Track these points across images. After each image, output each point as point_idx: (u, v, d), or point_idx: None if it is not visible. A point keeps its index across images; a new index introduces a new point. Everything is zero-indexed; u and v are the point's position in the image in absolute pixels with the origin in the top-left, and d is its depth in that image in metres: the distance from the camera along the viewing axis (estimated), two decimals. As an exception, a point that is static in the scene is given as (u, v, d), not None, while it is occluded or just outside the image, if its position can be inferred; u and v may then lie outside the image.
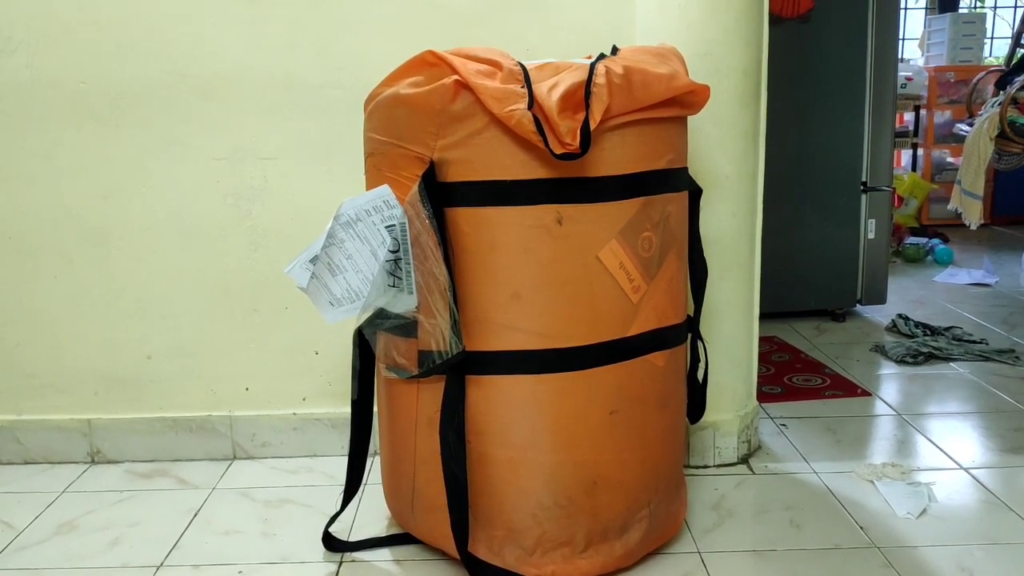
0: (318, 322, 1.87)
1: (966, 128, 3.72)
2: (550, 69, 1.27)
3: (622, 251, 1.32)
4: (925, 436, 1.98)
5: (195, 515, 1.68)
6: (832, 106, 2.82)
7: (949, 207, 3.57)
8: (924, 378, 2.38)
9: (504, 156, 1.25)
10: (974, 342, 2.61)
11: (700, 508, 1.66)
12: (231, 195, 1.83)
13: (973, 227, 3.43)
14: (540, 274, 1.29)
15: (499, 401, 1.33)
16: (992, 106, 3.50)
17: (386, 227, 1.35)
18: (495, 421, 1.33)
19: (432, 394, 1.35)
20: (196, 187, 1.83)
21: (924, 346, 2.55)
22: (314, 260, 1.36)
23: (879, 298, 2.94)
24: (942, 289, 3.42)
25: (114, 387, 1.91)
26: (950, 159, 4.78)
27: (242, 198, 1.83)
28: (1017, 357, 2.48)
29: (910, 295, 3.30)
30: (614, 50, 1.44)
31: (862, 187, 2.87)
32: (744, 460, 1.86)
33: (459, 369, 1.30)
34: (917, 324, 2.77)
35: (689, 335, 1.54)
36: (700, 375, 1.66)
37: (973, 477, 1.77)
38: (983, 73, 3.97)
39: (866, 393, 2.26)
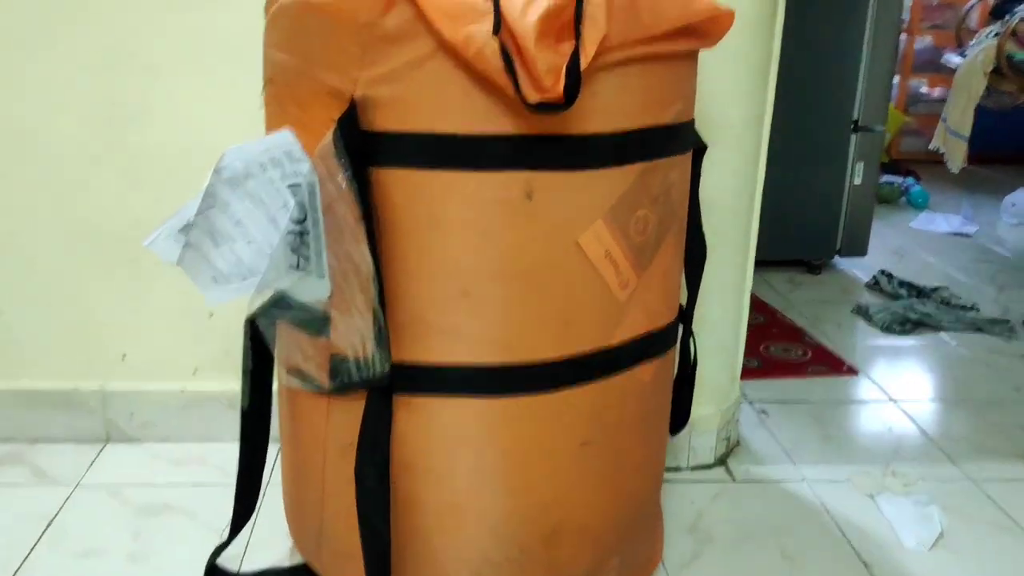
0: (213, 279, 1.49)
1: (957, 59, 3.42)
2: (526, -20, 0.90)
3: (609, 235, 0.97)
4: (924, 432, 1.72)
5: (49, 524, 1.33)
6: (828, 31, 2.46)
7: (931, 146, 3.29)
8: (914, 352, 2.13)
9: (456, 98, 0.89)
10: (965, 308, 2.36)
11: (674, 530, 1.38)
12: (100, 116, 1.42)
13: (954, 170, 3.16)
14: (499, 264, 0.94)
15: (437, 429, 0.99)
16: (988, 36, 3.19)
17: (288, 186, 0.98)
18: (431, 455, 1.00)
19: (348, 415, 1.01)
20: (54, 102, 1.41)
21: (912, 311, 2.29)
22: (187, 229, 0.98)
23: (860, 250, 2.67)
24: (920, 237, 3.17)
25: (-48, 349, 1.52)
26: (925, 89, 4.50)
27: (115, 120, 1.42)
28: (1012, 329, 2.24)
29: (887, 243, 3.03)
30: None
31: (852, 126, 2.56)
32: (722, 460, 1.58)
33: (385, 387, 0.96)
34: (901, 283, 2.50)
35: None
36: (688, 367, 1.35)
37: (984, 492, 1.52)
38: (976, 0, 3.65)
39: (852, 371, 1.99)
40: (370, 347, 0.94)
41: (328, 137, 0.92)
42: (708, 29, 1.01)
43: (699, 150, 1.18)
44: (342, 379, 0.98)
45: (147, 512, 1.37)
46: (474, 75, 0.87)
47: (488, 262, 0.94)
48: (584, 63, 0.85)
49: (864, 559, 1.32)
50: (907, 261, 2.86)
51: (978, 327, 2.25)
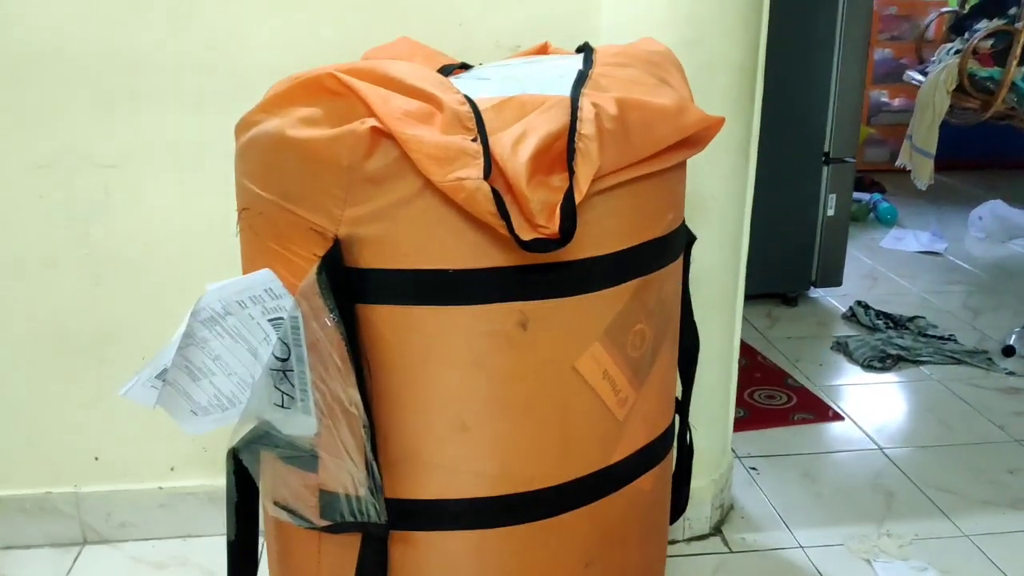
0: (188, 373, 1.44)
1: (919, 77, 3.44)
2: (513, 107, 0.86)
3: (607, 355, 0.94)
4: (914, 483, 1.72)
5: (26, 650, 1.28)
6: (797, 67, 2.46)
7: (898, 163, 3.29)
8: (896, 391, 2.13)
9: (445, 235, 0.85)
10: (942, 338, 2.37)
11: (676, 615, 1.36)
12: (60, 213, 1.36)
13: (922, 187, 3.17)
14: (494, 396, 0.91)
15: (436, 564, 0.96)
16: (948, 53, 3.22)
17: (269, 320, 0.94)
18: (431, 591, 0.97)
19: (341, 547, 0.97)
20: (11, 203, 1.35)
21: (891, 346, 2.29)
22: (163, 376, 0.94)
23: (835, 280, 2.67)
24: (891, 258, 3.18)
25: (-86, 460, 1.46)
26: (885, 99, 4.53)
27: (75, 218, 1.37)
28: (990, 359, 2.25)
29: (860, 268, 3.04)
30: (587, 54, 1.03)
31: (824, 158, 2.55)
32: (717, 529, 1.56)
33: (381, 534, 0.92)
34: (878, 314, 2.51)
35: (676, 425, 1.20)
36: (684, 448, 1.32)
37: (978, 548, 1.52)
38: (935, 14, 3.68)
39: (838, 416, 1.99)
40: (363, 492, 0.90)
41: (311, 275, 0.87)
42: (698, 138, 0.98)
43: (689, 242, 1.15)
44: (334, 518, 0.94)
45: (131, 629, 1.32)
46: (463, 211, 0.83)
47: (483, 394, 0.91)
48: (578, 199, 0.82)
49: (867, 637, 1.31)
50: (881, 285, 2.87)
51: (957, 359, 2.26)
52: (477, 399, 0.91)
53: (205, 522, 1.52)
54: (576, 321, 0.91)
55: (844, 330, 2.49)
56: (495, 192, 0.80)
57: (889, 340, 2.33)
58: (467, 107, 0.83)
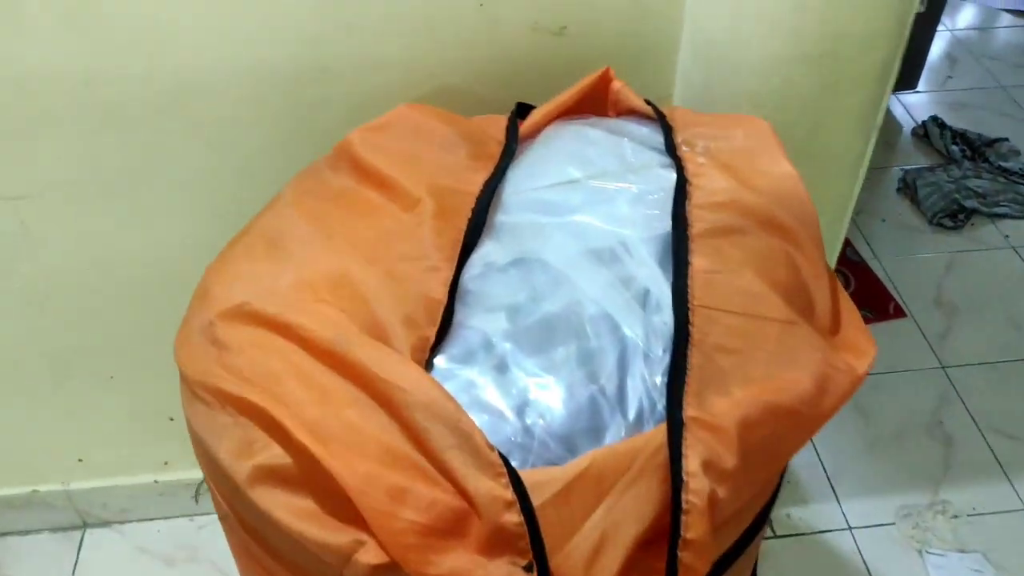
0: (165, 386, 1.22)
1: None
2: (584, 488, 0.56)
3: None
4: (975, 422, 1.56)
5: None
6: None
7: None
8: (966, 264, 1.88)
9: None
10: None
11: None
12: (-27, 249, 1.07)
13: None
14: None
15: None
16: None
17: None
18: None
19: None
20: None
21: (964, 191, 1.99)
22: None
23: (911, 83, 2.27)
24: (980, 35, 2.69)
25: None
26: None
27: (-5, 254, 1.07)
28: (1083, 210, 1.98)
29: (937, 44, 2.58)
30: (676, 204, 0.70)
31: (926, -61, 2.03)
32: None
33: None
34: (955, 137, 2.16)
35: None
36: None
37: (1037, 528, 1.42)
38: None
39: (900, 312, 1.78)
40: None
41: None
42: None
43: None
44: None
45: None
46: None
47: None
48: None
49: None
50: (959, 74, 2.45)
51: (1039, 211, 1.98)
52: None
53: (207, 509, 1.41)
54: None
55: (914, 155, 2.16)
56: (558, 645, 0.56)
57: (963, 182, 2.03)
58: (515, 514, 0.55)
